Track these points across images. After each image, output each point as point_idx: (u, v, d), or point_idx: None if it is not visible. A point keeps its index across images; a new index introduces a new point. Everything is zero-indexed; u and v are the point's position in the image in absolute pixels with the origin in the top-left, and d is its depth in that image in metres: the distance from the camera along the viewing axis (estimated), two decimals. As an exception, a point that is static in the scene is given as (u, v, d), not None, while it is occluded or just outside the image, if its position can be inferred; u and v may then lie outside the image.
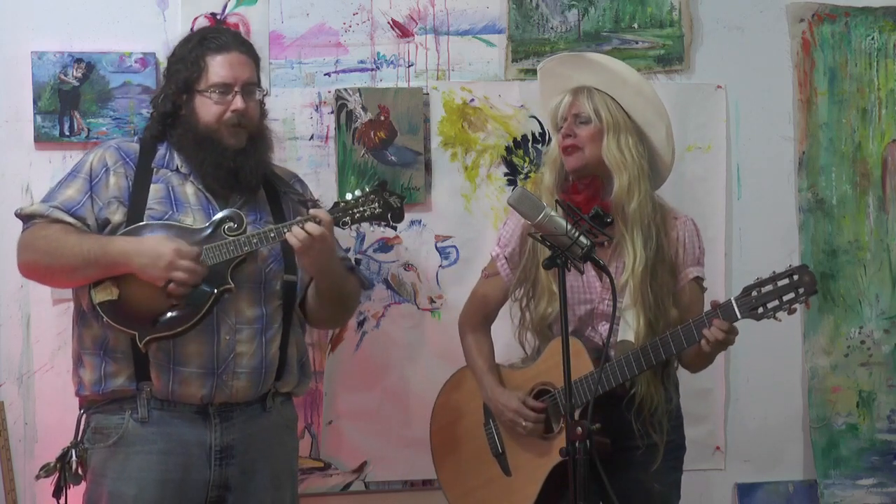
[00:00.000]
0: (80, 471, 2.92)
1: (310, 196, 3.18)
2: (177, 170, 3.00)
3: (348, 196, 2.96)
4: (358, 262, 3.75)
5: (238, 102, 2.95)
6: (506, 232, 3.28)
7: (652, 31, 3.88)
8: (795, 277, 2.90)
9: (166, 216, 2.93)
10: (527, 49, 3.83)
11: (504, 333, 3.37)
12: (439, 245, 3.80)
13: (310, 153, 3.72)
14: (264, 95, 3.08)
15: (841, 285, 3.95)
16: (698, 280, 3.18)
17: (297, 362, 3.08)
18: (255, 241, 2.88)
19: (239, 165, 2.96)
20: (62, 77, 3.58)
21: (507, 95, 3.81)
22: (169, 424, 2.91)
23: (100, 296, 2.88)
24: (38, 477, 2.98)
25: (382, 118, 3.75)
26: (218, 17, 3.68)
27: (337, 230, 3.00)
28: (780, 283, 2.90)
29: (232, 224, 2.90)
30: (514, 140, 3.82)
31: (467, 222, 3.80)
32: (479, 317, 3.33)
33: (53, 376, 3.59)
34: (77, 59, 3.58)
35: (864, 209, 3.96)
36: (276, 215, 3.04)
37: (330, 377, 3.76)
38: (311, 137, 3.74)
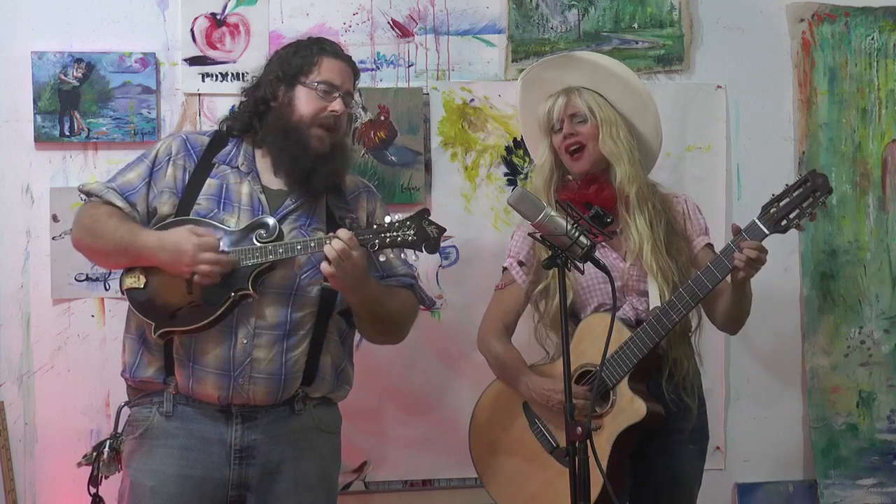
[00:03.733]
0: (115, 462, 2.95)
1: (378, 209, 3.14)
2: (237, 168, 3.01)
3: (387, 219, 2.88)
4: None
5: (338, 104, 2.98)
6: (515, 243, 3.32)
7: (652, 31, 3.88)
8: (808, 183, 2.97)
9: (210, 214, 2.94)
10: (527, 49, 3.83)
11: (520, 338, 3.35)
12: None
13: (310, 153, 3.72)
14: (358, 110, 3.15)
15: (841, 285, 3.95)
16: (710, 246, 3.24)
17: (333, 369, 3.02)
18: (280, 251, 2.86)
19: (315, 168, 2.96)
20: (62, 77, 3.58)
21: (507, 95, 3.81)
22: (192, 420, 2.92)
23: (128, 281, 2.92)
24: (79, 464, 3.00)
25: (382, 118, 3.75)
26: (218, 17, 3.68)
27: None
28: (795, 193, 2.97)
29: (263, 231, 2.88)
30: (514, 140, 3.82)
31: (467, 222, 3.80)
32: (499, 328, 3.30)
33: (53, 376, 3.59)
34: (77, 59, 3.59)
35: (864, 209, 3.96)
36: (329, 226, 3.01)
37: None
38: (311, 137, 3.74)
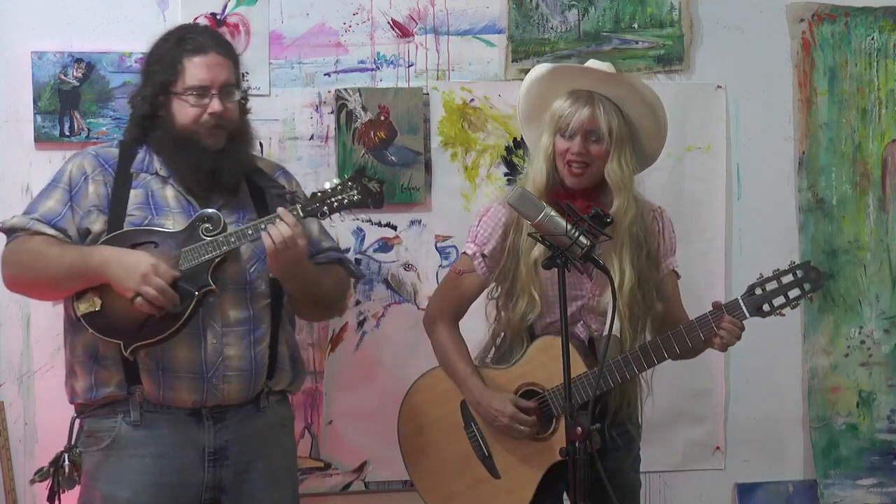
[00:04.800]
0: (74, 475, 2.91)
1: (295, 188, 3.11)
2: (156, 173, 2.96)
3: (326, 185, 2.89)
4: (358, 261, 3.75)
5: (215, 105, 2.90)
6: (483, 230, 3.20)
7: (652, 31, 3.88)
8: (800, 274, 2.94)
9: (145, 221, 2.90)
10: (527, 49, 3.83)
11: (478, 329, 3.34)
12: (439, 245, 3.80)
13: (310, 153, 3.72)
14: (245, 94, 3.03)
15: (841, 285, 3.95)
16: (674, 273, 3.22)
17: (289, 359, 3.06)
18: (232, 239, 2.84)
19: (218, 166, 2.92)
20: (62, 77, 3.58)
21: (507, 95, 3.80)
22: (162, 427, 2.90)
23: (82, 307, 2.86)
24: (32, 482, 2.97)
25: (382, 118, 3.75)
26: (218, 17, 3.68)
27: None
28: (784, 280, 2.94)
29: (208, 225, 2.86)
30: (514, 140, 3.82)
31: (467, 222, 3.76)
32: (450, 313, 3.26)
33: (53, 376, 3.59)
34: (77, 59, 3.59)
35: (864, 209, 3.96)
36: (260, 213, 2.98)
37: (330, 377, 3.76)
38: (311, 137, 3.74)
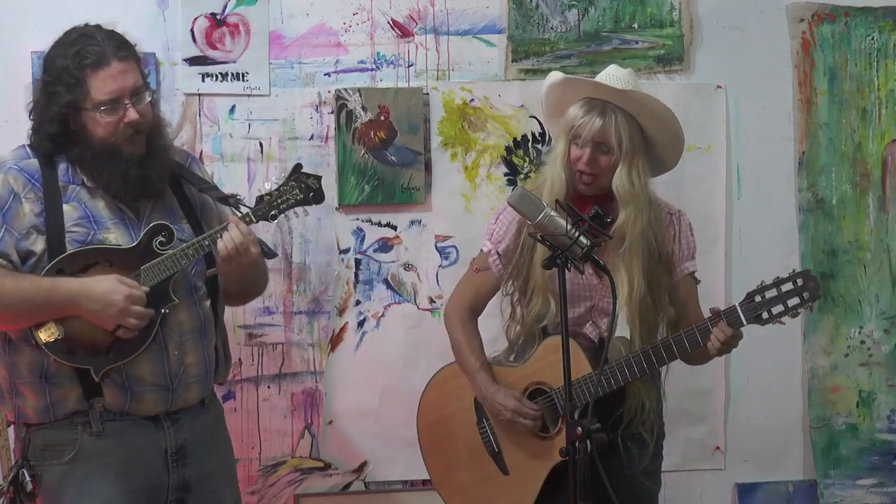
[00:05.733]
0: (34, 490, 2.81)
1: (207, 176, 3.10)
2: (83, 184, 2.85)
3: (267, 186, 2.94)
4: (358, 262, 3.76)
5: (131, 115, 2.80)
6: (499, 228, 3.23)
7: (652, 31, 3.88)
8: (800, 282, 2.93)
9: (88, 237, 2.81)
10: (527, 49, 3.83)
11: (492, 326, 3.35)
12: (439, 245, 3.81)
13: (310, 153, 3.73)
14: (153, 91, 2.96)
15: (841, 285, 3.95)
16: (692, 276, 3.21)
17: (222, 348, 3.05)
18: (190, 252, 2.83)
19: (146, 173, 2.84)
20: (62, 77, 3.57)
21: (507, 95, 3.81)
22: (124, 434, 2.85)
23: (44, 336, 2.76)
24: None
25: (382, 118, 3.75)
26: (218, 16, 3.68)
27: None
28: (784, 289, 2.93)
29: (162, 238, 2.83)
30: (514, 140, 3.82)
31: (467, 222, 3.80)
32: (468, 309, 3.28)
33: (53, 376, 3.59)
34: (77, 59, 3.58)
35: (864, 209, 3.96)
36: (187, 212, 2.97)
37: (330, 377, 3.76)
38: (311, 137, 3.74)
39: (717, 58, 3.91)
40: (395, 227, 3.78)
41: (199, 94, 3.69)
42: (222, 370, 3.05)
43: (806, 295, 2.91)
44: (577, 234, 2.66)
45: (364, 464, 3.78)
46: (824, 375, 3.94)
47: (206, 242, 2.84)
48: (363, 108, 3.74)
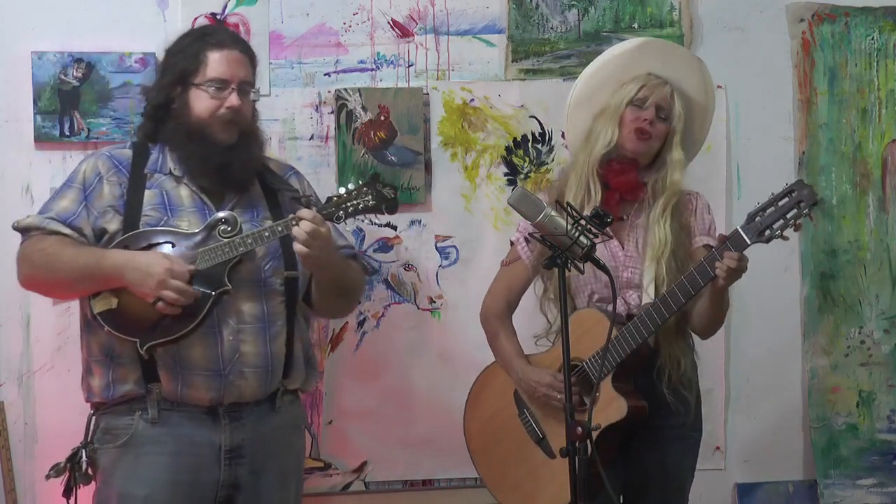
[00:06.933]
0: (89, 471, 2.92)
1: (307, 189, 3.18)
2: (170, 173, 2.99)
3: (341, 190, 2.96)
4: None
5: (233, 99, 2.94)
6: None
7: (652, 31, 3.88)
8: (794, 193, 2.95)
9: (161, 222, 2.92)
10: (527, 49, 3.83)
11: (523, 314, 3.37)
12: (439, 245, 3.81)
13: (310, 153, 3.73)
14: (258, 96, 3.09)
15: (841, 285, 3.95)
16: (707, 247, 3.22)
17: (304, 357, 3.07)
18: (249, 241, 2.88)
19: (228, 161, 2.95)
20: (62, 77, 3.58)
21: (507, 95, 3.81)
22: (179, 425, 2.91)
23: (99, 305, 2.88)
24: (48, 477, 2.96)
25: (382, 118, 3.75)
26: (218, 16, 3.68)
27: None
28: (780, 203, 2.96)
29: (226, 226, 2.89)
30: (514, 140, 3.82)
31: (467, 222, 3.80)
32: (502, 306, 3.33)
33: (53, 376, 3.60)
34: (77, 59, 3.59)
35: (864, 209, 3.96)
36: (273, 211, 3.03)
37: (330, 377, 3.76)
38: (311, 137, 3.74)
39: (717, 58, 3.90)
40: (394, 227, 3.78)
41: (199, 94, 3.69)
42: (297, 374, 3.04)
43: (802, 204, 2.93)
44: (577, 234, 2.66)
45: (364, 464, 3.78)
46: (824, 375, 3.94)
47: (267, 234, 2.88)
48: (363, 108, 3.74)
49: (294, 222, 2.87)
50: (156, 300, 2.82)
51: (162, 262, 2.82)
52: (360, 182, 2.97)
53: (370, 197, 2.94)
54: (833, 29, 3.94)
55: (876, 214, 3.96)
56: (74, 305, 3.57)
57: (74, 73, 3.59)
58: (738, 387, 3.95)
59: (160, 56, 3.60)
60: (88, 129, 3.59)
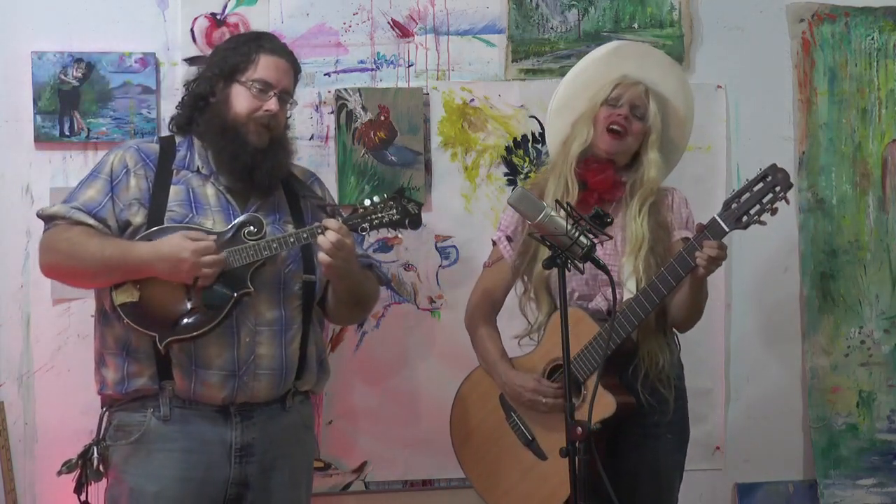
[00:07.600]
0: (101, 468, 2.93)
1: (329, 198, 3.20)
2: (197, 171, 3.01)
3: (366, 202, 2.98)
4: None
5: (273, 104, 2.98)
6: (506, 217, 3.32)
7: (652, 31, 3.88)
8: (769, 178, 2.96)
9: (186, 219, 2.94)
10: (527, 49, 3.83)
11: (502, 314, 3.37)
12: (439, 245, 3.81)
13: (310, 153, 3.72)
14: (293, 109, 3.12)
15: (841, 285, 3.95)
16: (686, 240, 3.21)
17: (316, 360, 3.09)
18: (274, 245, 2.90)
19: (256, 164, 2.97)
20: (62, 77, 3.58)
21: (507, 95, 3.81)
22: (190, 423, 2.93)
23: (121, 297, 2.89)
24: (59, 473, 2.97)
25: (382, 118, 3.75)
26: (218, 17, 3.68)
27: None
28: (756, 188, 2.96)
29: (252, 228, 2.92)
30: (514, 140, 3.82)
31: (467, 222, 3.80)
32: (486, 309, 3.33)
33: (53, 376, 3.59)
34: (77, 59, 3.59)
35: (864, 209, 3.96)
36: (295, 217, 3.06)
37: (330, 377, 3.76)
38: (311, 137, 3.74)
39: (717, 58, 3.91)
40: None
41: (199, 94, 3.69)
42: (310, 376, 3.06)
43: (777, 189, 2.94)
44: (576, 234, 2.66)
45: (364, 464, 3.78)
46: (824, 375, 3.94)
47: (292, 240, 2.91)
48: (363, 108, 3.74)
49: (320, 231, 2.89)
50: (195, 281, 2.85)
51: (186, 245, 2.84)
52: (386, 195, 3.00)
53: (395, 211, 2.97)
54: (833, 29, 3.94)
55: (876, 214, 3.97)
56: (74, 306, 3.59)
57: (74, 73, 3.59)
58: (738, 387, 3.95)
59: (161, 57, 3.64)
60: (88, 129, 3.59)
